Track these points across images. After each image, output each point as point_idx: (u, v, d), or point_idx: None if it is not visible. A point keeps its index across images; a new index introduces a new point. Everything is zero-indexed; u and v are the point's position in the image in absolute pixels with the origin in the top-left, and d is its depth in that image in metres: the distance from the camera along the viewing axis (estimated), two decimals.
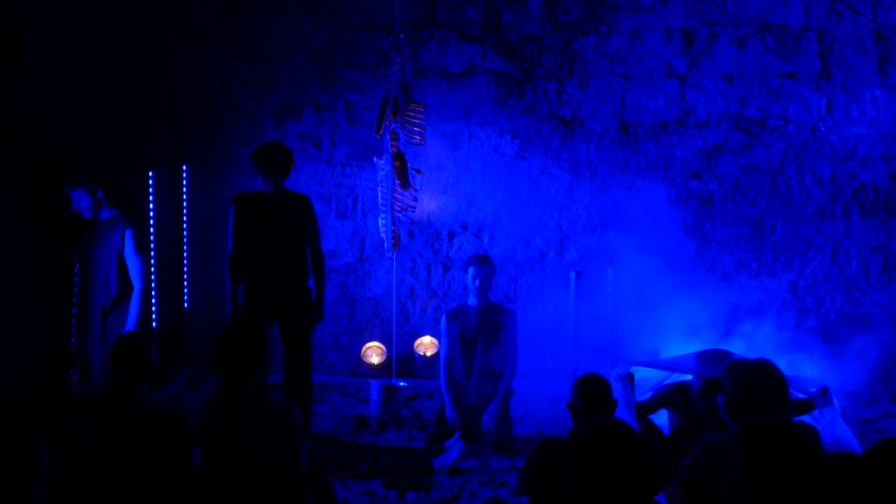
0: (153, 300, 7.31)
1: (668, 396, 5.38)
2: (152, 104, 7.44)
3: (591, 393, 4.29)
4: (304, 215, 6.36)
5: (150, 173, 7.21)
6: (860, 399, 7.06)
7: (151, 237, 7.25)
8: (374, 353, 8.10)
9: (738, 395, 3.70)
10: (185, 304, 7.90)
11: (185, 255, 7.82)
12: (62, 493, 3.79)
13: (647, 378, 5.43)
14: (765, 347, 7.30)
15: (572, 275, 7.53)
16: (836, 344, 7.43)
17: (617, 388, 4.97)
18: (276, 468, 3.95)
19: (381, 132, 7.10)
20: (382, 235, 7.34)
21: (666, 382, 5.47)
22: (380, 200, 7.32)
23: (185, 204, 7.82)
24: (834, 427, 4.75)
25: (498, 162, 8.04)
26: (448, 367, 6.49)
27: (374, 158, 7.37)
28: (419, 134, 7.16)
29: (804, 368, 7.24)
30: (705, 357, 5.16)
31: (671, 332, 7.04)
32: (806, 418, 4.70)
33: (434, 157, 8.01)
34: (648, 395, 5.43)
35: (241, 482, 3.94)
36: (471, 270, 6.50)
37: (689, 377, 5.33)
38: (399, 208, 7.21)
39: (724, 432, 3.91)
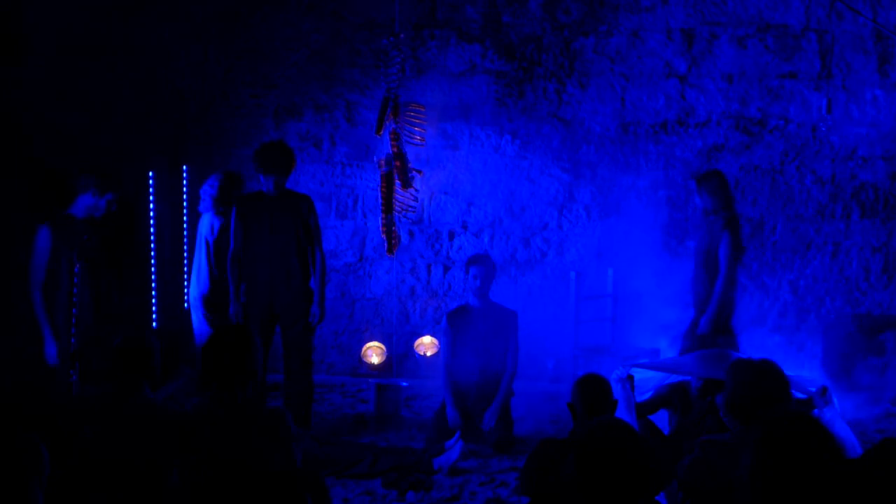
0: (153, 300, 7.32)
1: (667, 396, 5.38)
2: (152, 104, 7.44)
3: (591, 393, 4.29)
4: (306, 215, 6.36)
5: (150, 173, 7.22)
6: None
7: (151, 237, 7.26)
8: (374, 353, 8.10)
9: (741, 394, 3.70)
10: (186, 304, 7.89)
11: (185, 255, 7.82)
12: (62, 494, 3.79)
13: (647, 378, 5.43)
14: (766, 347, 7.31)
15: (572, 275, 7.53)
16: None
17: (617, 390, 4.97)
18: (271, 476, 3.94)
19: (381, 132, 7.10)
20: (383, 235, 7.34)
21: (665, 382, 5.47)
22: (380, 200, 7.32)
23: (185, 204, 7.82)
24: (834, 427, 4.75)
25: (498, 162, 8.03)
26: (448, 368, 6.49)
27: (375, 158, 7.37)
28: (419, 134, 7.16)
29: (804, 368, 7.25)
30: (704, 357, 5.16)
31: (671, 332, 7.05)
32: None
33: (434, 157, 8.01)
34: (648, 395, 5.43)
35: (235, 491, 3.92)
36: (472, 270, 6.50)
37: (688, 377, 5.33)
38: (399, 208, 7.21)
39: (723, 432, 3.91)
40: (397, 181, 7.12)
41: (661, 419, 5.42)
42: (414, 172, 7.18)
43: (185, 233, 7.83)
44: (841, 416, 4.96)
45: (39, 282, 5.54)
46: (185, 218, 7.82)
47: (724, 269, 6.49)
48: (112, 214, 5.82)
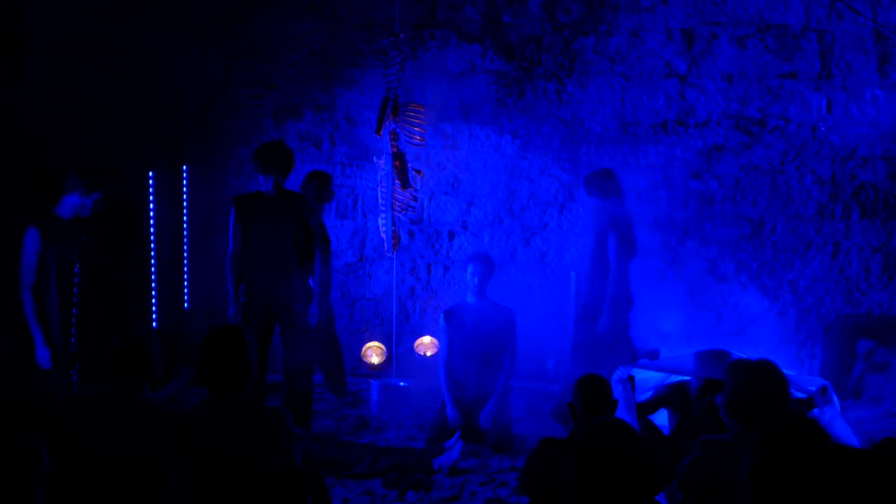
0: (153, 300, 7.32)
1: (667, 396, 5.39)
2: (152, 104, 7.44)
3: (591, 393, 4.29)
4: (305, 215, 6.37)
5: (150, 173, 7.22)
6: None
7: (151, 237, 7.26)
8: (374, 353, 8.09)
9: (741, 394, 3.70)
10: (185, 304, 7.90)
11: (185, 255, 7.83)
12: (62, 494, 3.79)
13: (647, 378, 5.44)
14: (765, 347, 7.31)
15: (572, 275, 7.53)
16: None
17: (617, 390, 4.97)
18: (271, 476, 3.94)
19: (381, 132, 7.09)
20: (382, 235, 7.34)
21: (665, 382, 5.47)
22: (380, 200, 7.31)
23: (185, 204, 7.82)
24: (834, 426, 4.75)
25: (498, 162, 8.03)
26: (448, 366, 6.49)
27: (374, 158, 7.37)
28: (419, 134, 7.16)
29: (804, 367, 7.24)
30: (704, 357, 5.17)
31: (671, 333, 7.05)
32: None
33: (434, 157, 8.00)
34: (648, 395, 5.44)
35: (235, 491, 3.92)
36: (470, 268, 6.51)
37: (688, 377, 5.33)
38: (399, 208, 7.21)
39: (723, 432, 3.91)
40: (397, 181, 7.12)
41: (661, 419, 5.43)
42: (414, 172, 7.18)
43: (185, 233, 7.83)
44: (841, 415, 4.97)
45: (29, 284, 5.53)
46: (185, 218, 7.83)
47: (612, 267, 6.57)
48: (101, 214, 5.79)
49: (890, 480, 3.08)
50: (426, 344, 8.06)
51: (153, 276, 7.30)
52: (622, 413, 4.82)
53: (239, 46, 8.09)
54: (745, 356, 4.18)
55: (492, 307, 6.55)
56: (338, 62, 8.08)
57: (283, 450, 4.01)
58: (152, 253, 7.27)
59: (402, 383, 7.27)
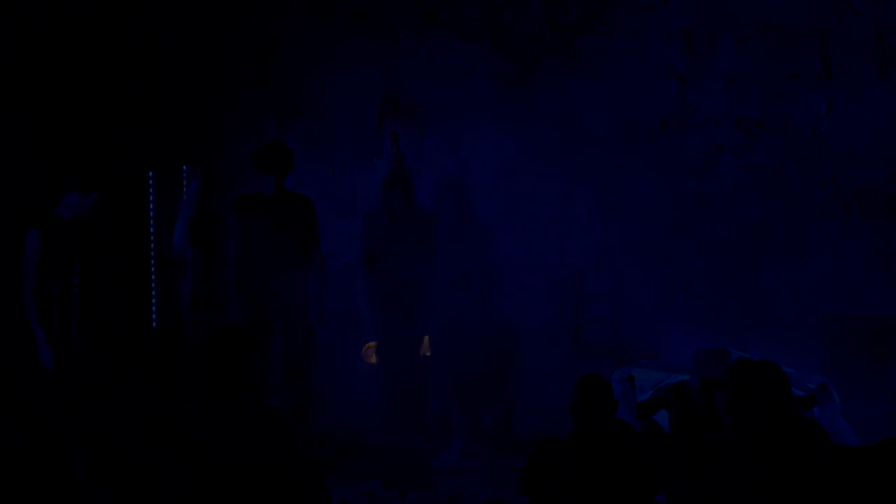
0: (153, 300, 7.33)
1: (667, 396, 5.39)
2: (152, 104, 7.45)
3: (592, 393, 4.29)
4: (306, 215, 6.37)
5: (150, 173, 7.22)
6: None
7: (151, 237, 7.26)
8: (374, 352, 8.06)
9: (741, 394, 3.70)
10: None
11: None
12: (64, 493, 3.80)
13: (648, 378, 5.44)
14: (765, 347, 7.30)
15: (572, 275, 7.54)
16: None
17: (617, 390, 4.98)
18: (271, 476, 3.95)
19: (381, 132, 7.10)
20: None
21: (666, 382, 5.48)
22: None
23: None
24: (834, 424, 4.75)
25: (498, 162, 8.03)
26: (449, 378, 6.56)
27: (374, 158, 7.37)
28: (419, 134, 7.16)
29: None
30: (704, 356, 5.17)
31: (671, 333, 7.05)
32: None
33: (434, 157, 8.00)
34: (648, 394, 5.44)
35: (235, 491, 3.92)
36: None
37: (688, 377, 5.33)
38: None
39: (724, 432, 3.91)
40: None
41: (661, 419, 5.43)
42: (414, 172, 7.18)
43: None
44: (841, 413, 4.97)
45: (31, 285, 5.54)
46: None
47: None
48: (101, 213, 5.80)
49: (890, 480, 3.08)
50: (426, 344, 8.03)
51: (153, 276, 7.30)
52: (622, 413, 4.82)
53: (239, 46, 8.09)
54: (745, 355, 4.19)
55: (491, 320, 6.59)
56: (338, 62, 8.08)
57: (284, 450, 4.01)
58: (152, 253, 7.27)
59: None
